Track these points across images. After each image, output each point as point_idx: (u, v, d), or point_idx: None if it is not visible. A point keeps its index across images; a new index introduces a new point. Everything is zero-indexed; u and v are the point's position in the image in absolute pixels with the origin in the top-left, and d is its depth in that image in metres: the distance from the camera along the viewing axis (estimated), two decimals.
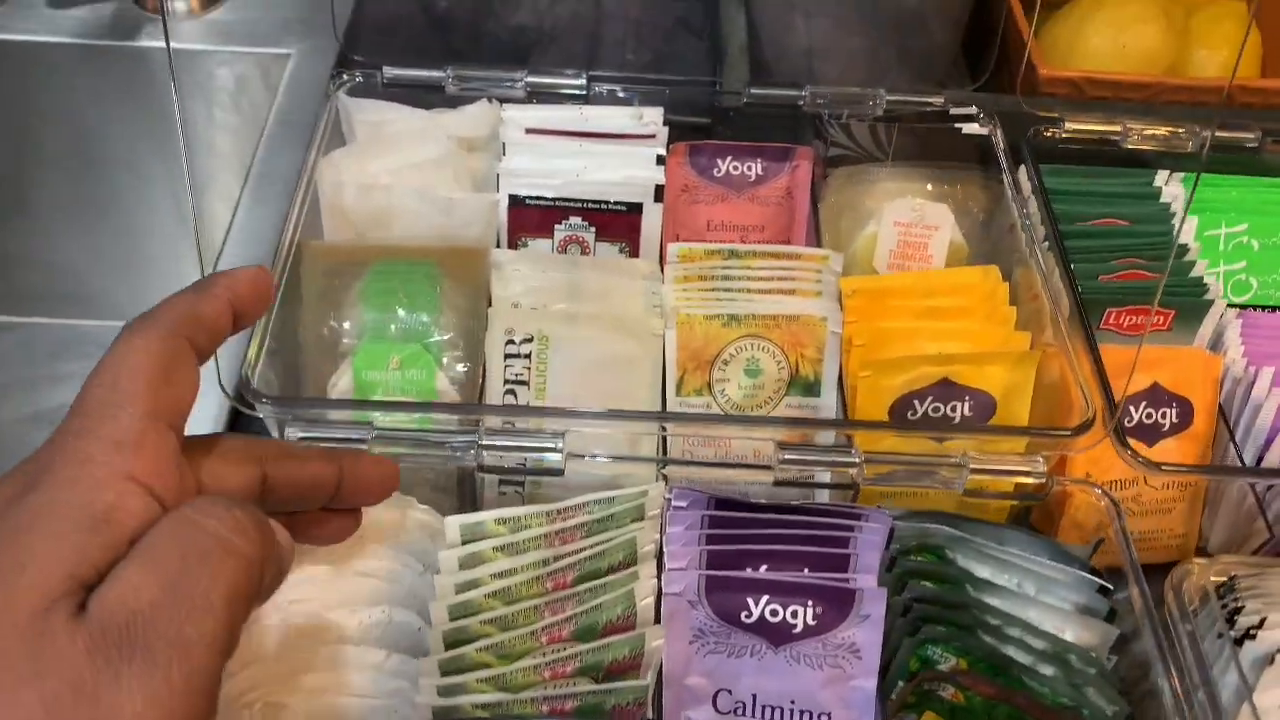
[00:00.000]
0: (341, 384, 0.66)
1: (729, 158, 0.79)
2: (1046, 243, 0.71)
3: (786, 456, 0.55)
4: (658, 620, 0.54)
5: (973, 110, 0.75)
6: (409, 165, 0.71)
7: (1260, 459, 0.65)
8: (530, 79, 0.76)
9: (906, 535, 0.56)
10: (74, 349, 1.15)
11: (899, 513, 0.57)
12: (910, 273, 0.71)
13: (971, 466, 0.55)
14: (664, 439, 0.65)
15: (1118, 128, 0.75)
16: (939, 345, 0.67)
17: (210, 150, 1.05)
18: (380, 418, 0.57)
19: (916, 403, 0.65)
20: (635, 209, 0.74)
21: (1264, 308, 0.75)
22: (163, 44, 0.99)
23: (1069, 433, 0.57)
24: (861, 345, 0.66)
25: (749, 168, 0.79)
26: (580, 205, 0.73)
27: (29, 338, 1.15)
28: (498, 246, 0.74)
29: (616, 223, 0.74)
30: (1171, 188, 0.77)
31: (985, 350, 0.65)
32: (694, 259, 0.70)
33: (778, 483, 0.56)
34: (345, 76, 0.74)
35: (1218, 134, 0.76)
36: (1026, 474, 0.56)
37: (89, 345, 1.15)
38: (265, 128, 0.93)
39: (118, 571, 0.33)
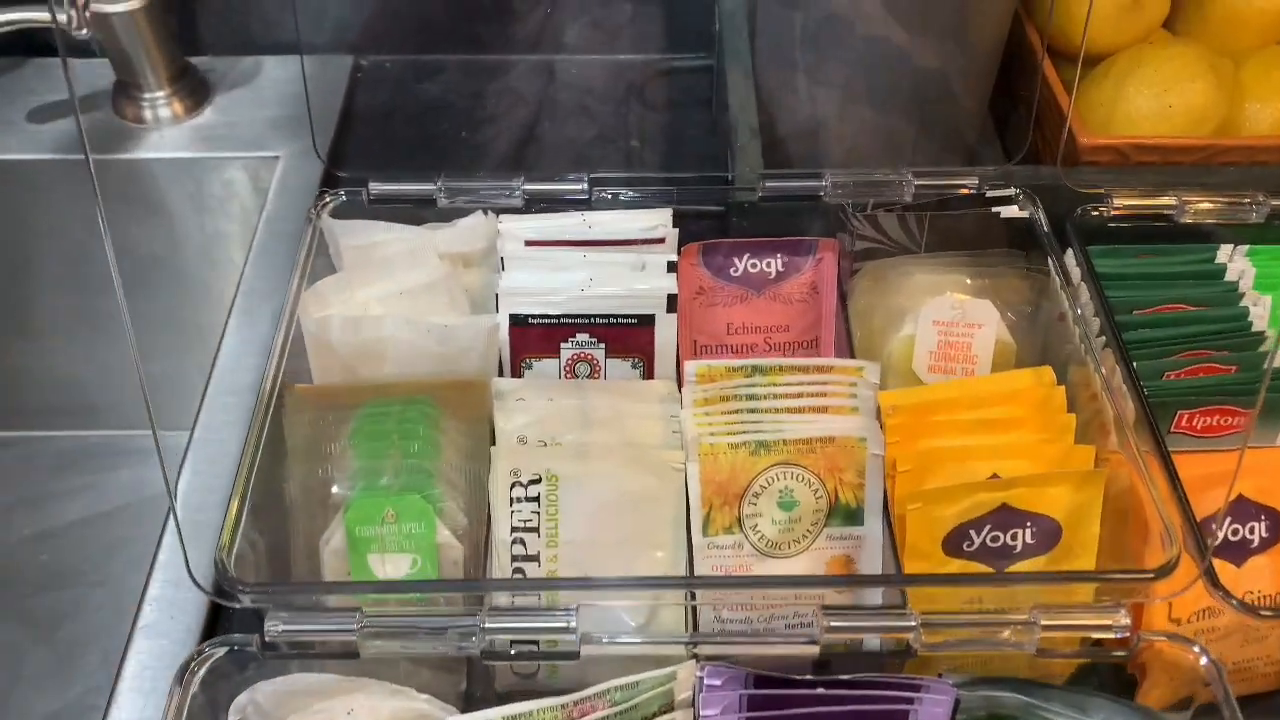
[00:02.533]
0: (334, 541, 0.60)
1: (746, 255, 0.73)
2: (1102, 337, 0.65)
3: (832, 624, 0.49)
4: None
5: (1011, 191, 0.69)
6: (399, 292, 0.65)
7: None
8: (528, 186, 0.70)
9: (973, 705, 0.49)
10: (79, 462, 1.11)
11: (963, 679, 0.50)
12: (955, 382, 0.64)
13: (1043, 623, 0.49)
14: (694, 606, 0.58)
15: (1171, 200, 0.69)
16: (992, 464, 0.60)
17: (203, 258, 1.01)
18: (370, 604, 0.50)
19: (973, 532, 0.58)
20: (647, 321, 0.68)
21: None
22: (151, 154, 0.95)
23: (1151, 575, 0.50)
24: (907, 471, 0.59)
25: (768, 264, 0.73)
26: (587, 321, 0.67)
27: (31, 452, 1.12)
28: (500, 369, 0.68)
29: (627, 337, 0.68)
30: (1237, 263, 0.70)
31: (1046, 470, 0.59)
32: (714, 377, 0.64)
33: (823, 658, 0.49)
34: (328, 196, 0.69)
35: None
36: (1107, 629, 0.49)
37: (94, 457, 1.11)
38: (254, 237, 0.88)
39: None
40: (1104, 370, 0.61)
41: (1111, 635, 0.49)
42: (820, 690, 0.50)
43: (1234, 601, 0.51)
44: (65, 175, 0.98)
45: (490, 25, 1.05)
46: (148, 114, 0.96)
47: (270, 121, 0.97)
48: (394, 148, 0.97)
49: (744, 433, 0.61)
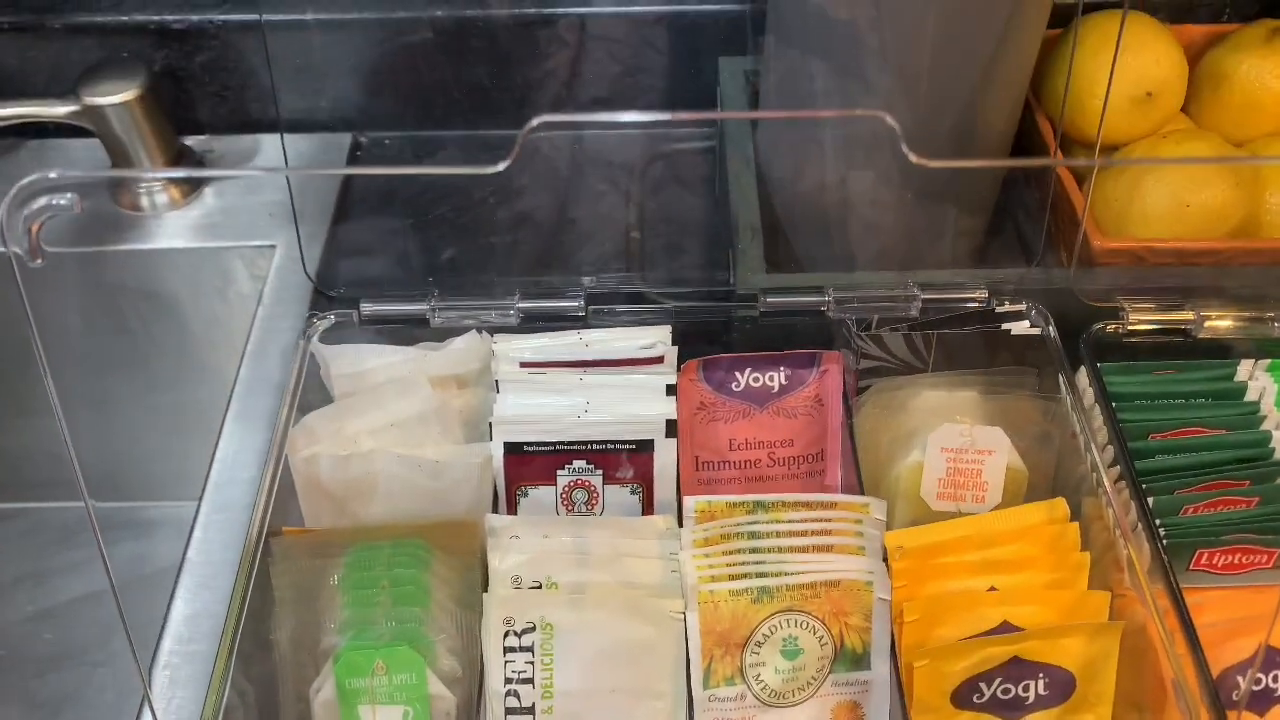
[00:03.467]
0: (324, 692, 0.59)
1: (748, 370, 0.71)
2: (1117, 466, 0.62)
3: None
4: None
5: (1021, 306, 0.66)
6: (390, 424, 0.63)
7: None
8: (523, 304, 0.68)
9: None
10: (81, 535, 1.10)
11: None
12: (963, 519, 0.62)
13: None
14: None
15: (1189, 315, 0.66)
16: (1002, 610, 0.58)
17: (202, 347, 1.00)
18: None
19: (983, 685, 0.56)
20: (646, 447, 0.66)
21: None
22: (147, 245, 0.94)
23: None
24: (914, 620, 0.57)
25: (771, 378, 0.71)
26: (584, 447, 0.65)
27: (34, 525, 1.11)
28: (495, 497, 0.67)
29: (625, 463, 0.66)
30: (1258, 380, 0.67)
31: (1059, 618, 0.56)
32: (715, 514, 0.62)
33: None
34: (317, 320, 0.67)
35: None
36: None
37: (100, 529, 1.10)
38: (250, 334, 0.87)
39: None
40: (1116, 506, 0.58)
41: None
42: None
43: None
44: (60, 262, 0.97)
45: (489, 98, 1.04)
46: (144, 201, 0.95)
47: (268, 206, 0.96)
48: (392, 236, 0.96)
49: (745, 576, 0.59)
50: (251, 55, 0.98)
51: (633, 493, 0.66)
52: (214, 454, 0.78)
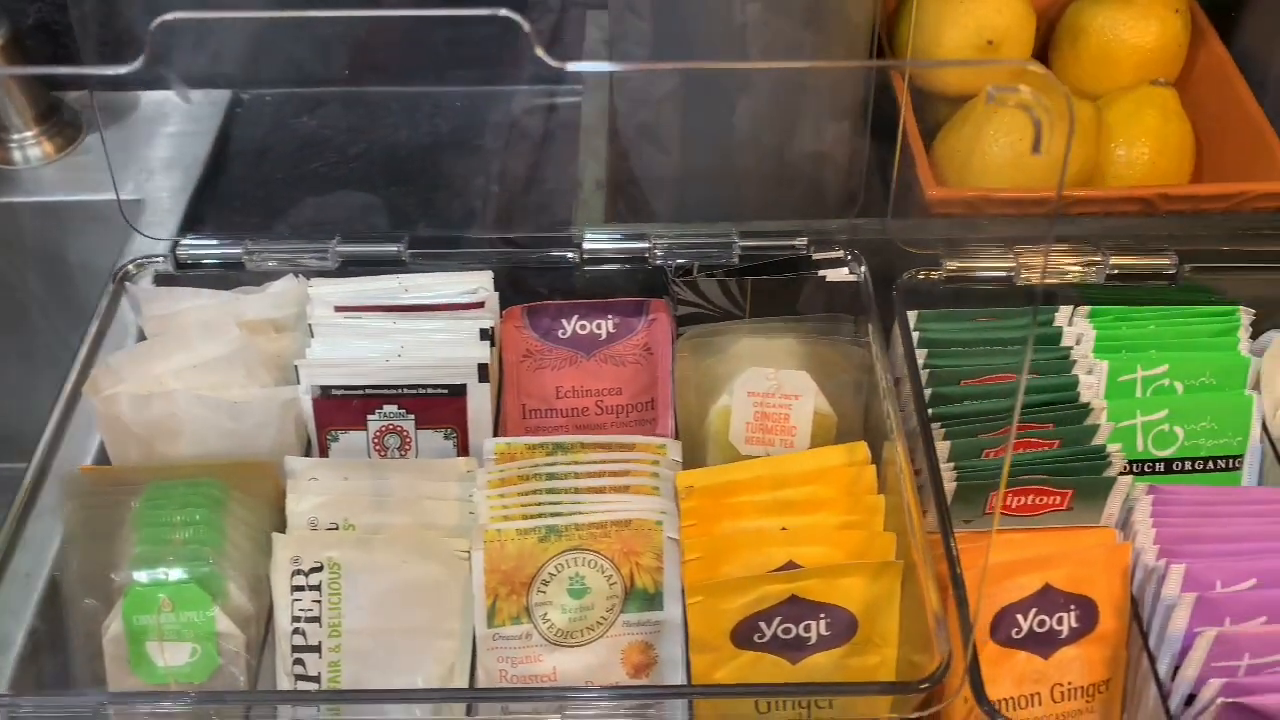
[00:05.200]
0: (112, 629, 0.59)
1: (575, 317, 0.71)
2: (928, 411, 0.62)
3: None
4: None
5: (839, 253, 0.66)
6: (195, 365, 0.63)
7: (1175, 670, 0.55)
8: (342, 248, 0.68)
9: None
10: None
11: None
12: (759, 461, 0.61)
13: None
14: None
15: (1009, 262, 0.66)
16: (789, 550, 0.57)
17: (64, 301, 0.99)
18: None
19: (763, 624, 0.56)
20: (458, 391, 0.65)
21: (1193, 461, 0.65)
22: (17, 198, 0.93)
23: (916, 686, 0.47)
24: (696, 559, 0.57)
25: (599, 326, 0.71)
26: (395, 392, 0.65)
27: None
28: (310, 442, 0.66)
29: (438, 408, 0.66)
30: (1077, 326, 0.67)
31: (838, 562, 0.56)
32: (514, 456, 0.61)
33: None
34: (132, 264, 0.67)
35: (1130, 259, 0.66)
36: None
37: None
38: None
39: None
40: (902, 449, 0.58)
41: None
42: None
43: (984, 706, 0.48)
44: None
45: (373, 55, 1.03)
46: (16, 155, 0.94)
47: (140, 161, 0.95)
48: (264, 187, 0.96)
49: (537, 517, 0.59)
50: (128, 9, 0.98)
51: (446, 438, 0.66)
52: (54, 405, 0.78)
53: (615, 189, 0.78)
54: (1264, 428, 0.66)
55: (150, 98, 1.01)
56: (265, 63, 1.03)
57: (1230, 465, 0.66)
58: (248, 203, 0.95)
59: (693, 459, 0.66)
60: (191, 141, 0.99)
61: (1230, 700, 0.51)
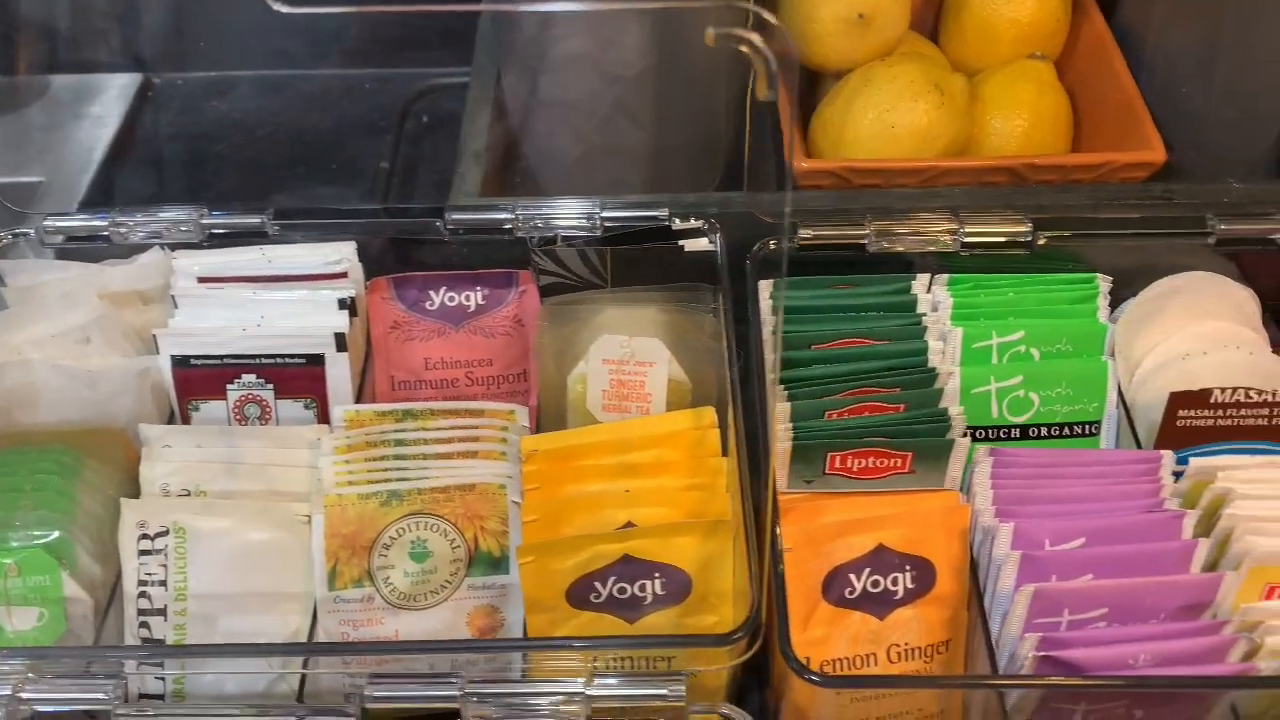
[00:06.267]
0: None
1: (443, 288, 0.71)
2: (774, 374, 0.63)
3: (375, 694, 0.47)
4: None
5: (698, 224, 0.67)
6: (54, 334, 0.64)
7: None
8: (207, 220, 0.68)
9: None
10: None
11: None
12: (604, 425, 0.62)
13: (590, 693, 0.47)
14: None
15: (864, 230, 0.66)
16: (629, 512, 0.58)
17: None
18: None
19: (598, 584, 0.56)
20: (316, 361, 0.66)
21: (1049, 427, 0.66)
22: None
23: (717, 641, 0.48)
24: (534, 521, 0.57)
25: (467, 297, 0.71)
26: (254, 361, 0.66)
27: None
28: (171, 412, 0.67)
29: (297, 378, 0.66)
30: (935, 294, 0.67)
31: (670, 521, 0.57)
32: (363, 422, 0.62)
33: None
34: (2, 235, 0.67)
35: (985, 227, 0.67)
36: (661, 699, 0.47)
37: None
38: None
39: None
40: (735, 410, 0.58)
41: (664, 705, 0.47)
42: None
43: (793, 664, 0.48)
44: None
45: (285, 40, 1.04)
46: None
47: (47, 144, 0.96)
48: (168, 168, 0.96)
49: (383, 482, 0.60)
50: None
51: (307, 407, 0.67)
52: None
53: (497, 163, 0.78)
54: (1120, 394, 0.67)
55: (62, 81, 1.02)
56: (178, 48, 1.05)
57: (1087, 431, 0.66)
58: (149, 183, 0.96)
59: (555, 428, 0.66)
60: (97, 125, 1.00)
61: (1044, 654, 0.51)
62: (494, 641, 0.57)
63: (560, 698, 0.47)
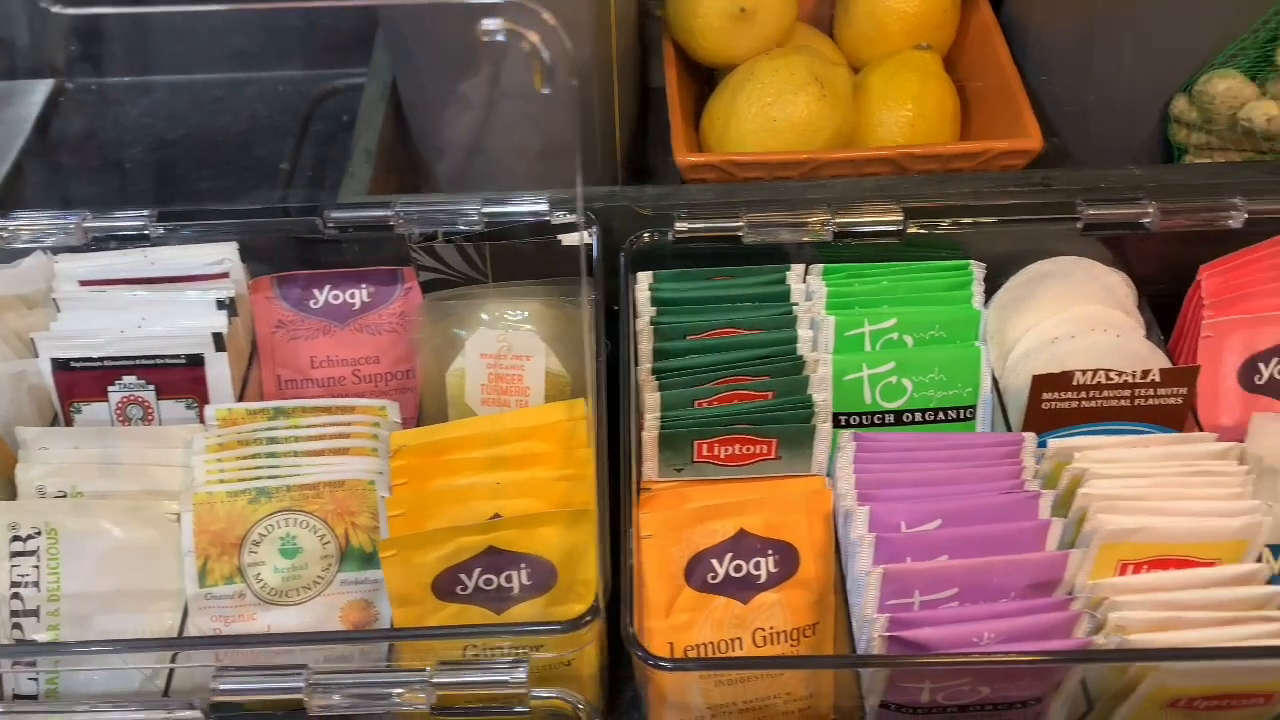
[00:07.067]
0: None
1: (327, 286, 0.71)
2: (648, 364, 0.64)
3: (221, 686, 0.47)
4: None
5: (575, 219, 0.67)
6: None
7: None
8: (89, 224, 0.69)
9: None
10: None
11: None
12: (476, 419, 0.62)
13: (435, 681, 0.47)
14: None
15: (738, 222, 0.67)
16: (496, 504, 0.59)
17: None
18: None
19: (464, 576, 0.57)
20: (196, 361, 0.66)
21: (924, 413, 0.67)
22: None
23: (559, 627, 0.49)
24: (400, 515, 0.58)
25: (352, 295, 0.71)
26: (133, 363, 0.66)
27: None
28: (55, 416, 0.67)
29: (177, 378, 0.66)
30: (810, 283, 0.68)
31: (534, 511, 0.57)
32: (235, 421, 0.62)
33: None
34: None
35: (856, 217, 0.68)
36: (503, 684, 0.47)
37: None
38: None
39: None
40: (592, 401, 0.59)
41: (507, 691, 0.47)
42: None
43: (631, 646, 0.49)
44: None
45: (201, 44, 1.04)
46: None
47: None
48: (76, 172, 0.96)
49: (254, 479, 0.60)
50: None
51: (189, 408, 0.67)
52: None
53: (390, 162, 0.79)
54: (994, 379, 0.67)
55: None
56: (94, 53, 1.05)
57: (962, 416, 0.67)
58: (57, 188, 0.96)
59: (437, 423, 0.67)
60: (7, 130, 1.00)
61: (892, 635, 0.52)
62: (331, 634, 0.58)
63: (404, 686, 0.47)
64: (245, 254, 0.70)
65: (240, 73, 1.04)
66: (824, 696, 0.60)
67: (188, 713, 0.47)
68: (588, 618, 0.49)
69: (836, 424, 0.64)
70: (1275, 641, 0.52)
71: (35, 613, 0.59)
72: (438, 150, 0.78)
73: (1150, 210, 0.67)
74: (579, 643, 0.49)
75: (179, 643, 0.56)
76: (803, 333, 0.64)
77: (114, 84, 1.04)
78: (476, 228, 0.69)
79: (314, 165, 0.91)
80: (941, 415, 0.67)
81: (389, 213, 0.69)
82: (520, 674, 0.47)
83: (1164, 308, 0.71)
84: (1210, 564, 0.56)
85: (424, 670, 0.47)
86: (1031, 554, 0.55)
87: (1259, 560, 0.57)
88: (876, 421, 0.66)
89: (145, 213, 0.68)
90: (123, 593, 0.59)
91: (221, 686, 0.47)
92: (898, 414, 0.66)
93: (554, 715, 0.51)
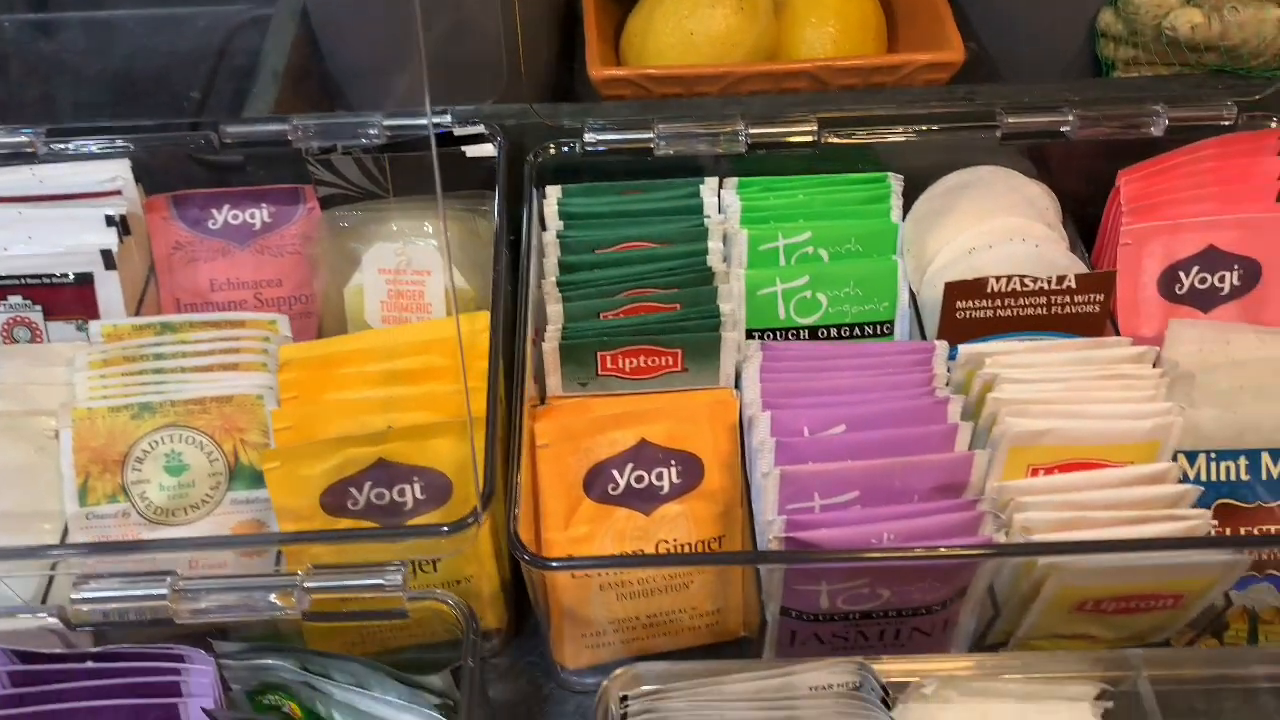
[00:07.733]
0: None
1: (226, 206, 0.69)
2: (552, 278, 0.62)
3: (84, 595, 0.45)
4: None
5: (480, 130, 0.65)
6: None
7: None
8: None
9: (244, 675, 0.46)
10: None
11: (238, 648, 0.47)
12: (370, 333, 0.60)
13: (306, 585, 0.45)
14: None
15: (649, 133, 0.65)
16: (389, 417, 0.57)
17: None
18: None
19: (354, 490, 0.55)
20: (85, 280, 0.64)
21: (840, 328, 0.65)
22: None
23: (445, 530, 0.47)
24: (287, 428, 0.56)
25: (252, 215, 0.69)
26: (19, 282, 0.63)
27: None
28: None
29: (66, 298, 0.64)
30: (724, 197, 0.66)
31: (426, 422, 0.55)
32: (120, 336, 0.60)
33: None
34: None
35: (768, 129, 0.66)
36: (379, 589, 0.46)
37: None
38: None
39: None
40: (498, 314, 0.57)
41: (382, 595, 0.46)
42: (89, 664, 0.46)
43: (525, 557, 0.47)
44: None
45: None
46: None
47: None
48: None
49: (138, 395, 0.58)
50: None
51: (79, 329, 0.64)
52: None
53: (296, 83, 0.76)
54: (911, 293, 0.66)
55: None
56: None
57: (880, 331, 0.66)
58: None
59: None
60: None
61: (789, 535, 0.50)
62: (208, 539, 0.56)
63: (276, 591, 0.45)
64: (143, 176, 0.67)
65: (157, 8, 1.01)
66: (732, 611, 0.59)
67: (49, 620, 0.45)
68: (469, 520, 0.47)
69: (750, 340, 0.62)
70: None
71: None
72: (343, 70, 0.76)
73: (1070, 118, 0.66)
74: (461, 544, 0.47)
75: (35, 551, 0.53)
76: (713, 245, 0.62)
77: (29, 20, 1.01)
78: (377, 141, 0.66)
79: (229, 97, 0.88)
80: (858, 330, 0.65)
81: (286, 127, 0.66)
82: (395, 577, 0.45)
83: (1090, 227, 0.70)
84: (1122, 466, 0.55)
85: (295, 575, 0.45)
86: (934, 455, 0.53)
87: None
88: (790, 337, 0.64)
89: (35, 130, 0.66)
90: (5, 513, 0.57)
91: (83, 595, 0.45)
92: (813, 329, 0.65)
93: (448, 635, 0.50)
